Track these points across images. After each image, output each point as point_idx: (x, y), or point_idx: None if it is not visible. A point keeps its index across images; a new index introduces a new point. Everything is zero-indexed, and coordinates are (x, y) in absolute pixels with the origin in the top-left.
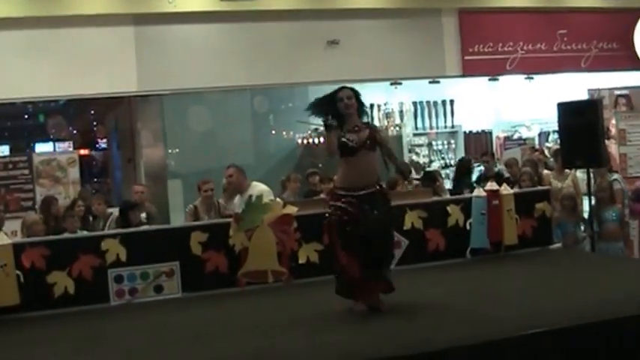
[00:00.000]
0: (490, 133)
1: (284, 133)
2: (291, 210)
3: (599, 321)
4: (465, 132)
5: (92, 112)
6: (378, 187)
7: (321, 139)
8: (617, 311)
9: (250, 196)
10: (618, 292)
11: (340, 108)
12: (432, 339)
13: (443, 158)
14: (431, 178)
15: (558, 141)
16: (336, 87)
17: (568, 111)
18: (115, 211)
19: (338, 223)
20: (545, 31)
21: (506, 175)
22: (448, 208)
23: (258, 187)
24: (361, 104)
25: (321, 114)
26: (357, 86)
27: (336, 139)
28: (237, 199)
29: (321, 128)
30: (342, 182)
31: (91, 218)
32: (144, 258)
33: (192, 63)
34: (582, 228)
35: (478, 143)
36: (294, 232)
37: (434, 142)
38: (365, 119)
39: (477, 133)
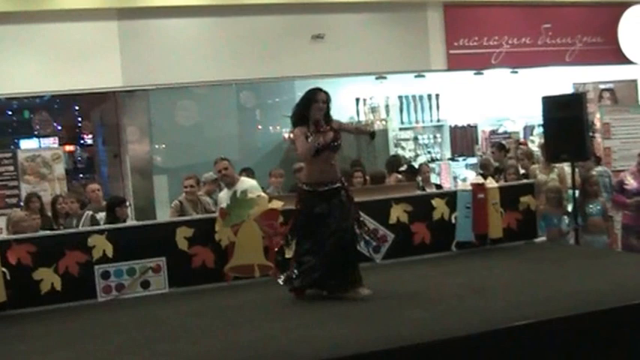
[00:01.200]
0: (476, 127)
1: (271, 127)
2: (277, 205)
3: (583, 313)
4: (450, 126)
5: (77, 107)
6: (340, 184)
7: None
8: (602, 303)
9: (236, 192)
10: (602, 284)
11: (314, 109)
12: (419, 332)
13: (429, 152)
14: (414, 171)
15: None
16: (321, 81)
17: (553, 105)
18: (88, 212)
19: (302, 216)
20: (530, 26)
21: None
22: (433, 202)
23: (247, 182)
24: (329, 108)
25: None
26: (342, 80)
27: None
28: (223, 192)
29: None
30: (308, 179)
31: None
32: (130, 254)
33: (178, 57)
34: (567, 221)
35: (464, 137)
36: (280, 226)
37: (420, 136)
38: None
39: (463, 127)
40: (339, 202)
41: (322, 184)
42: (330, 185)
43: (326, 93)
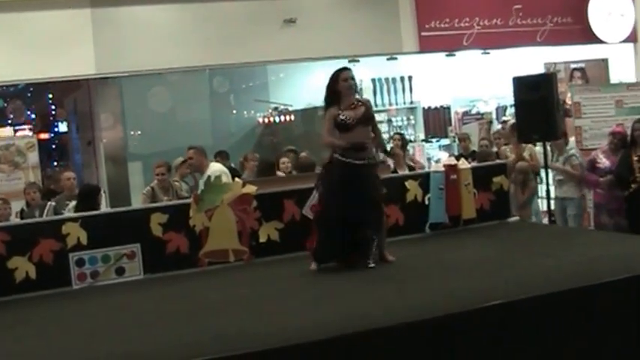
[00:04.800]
0: (449, 108)
1: (245, 112)
2: (251, 189)
3: (554, 292)
4: (423, 108)
5: (51, 95)
6: (374, 159)
7: (282, 118)
8: (573, 282)
9: (209, 177)
10: (574, 263)
11: (343, 87)
12: (389, 313)
13: (403, 134)
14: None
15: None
16: (293, 65)
17: (523, 85)
18: (51, 202)
19: (335, 186)
20: (501, 7)
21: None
22: (406, 184)
23: (214, 167)
24: (356, 84)
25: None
26: (314, 64)
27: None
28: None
29: (282, 107)
30: (345, 152)
31: (25, 208)
32: (104, 241)
33: (150, 44)
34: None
35: (437, 119)
36: (253, 211)
37: (393, 119)
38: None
39: (436, 108)
40: (373, 176)
41: (358, 157)
42: (362, 160)
43: (350, 70)
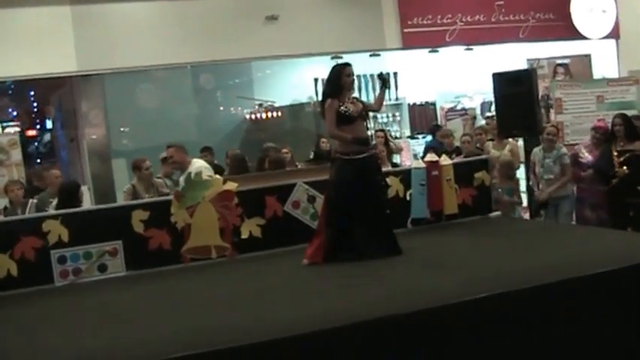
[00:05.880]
0: (434, 104)
1: (232, 108)
2: (232, 186)
3: (537, 285)
4: (409, 104)
5: (35, 92)
6: (374, 152)
7: (269, 114)
8: (554, 276)
9: (190, 174)
10: (555, 257)
11: (347, 82)
12: (371, 308)
13: (389, 130)
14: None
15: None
16: (278, 62)
17: (504, 81)
18: (33, 200)
19: (341, 185)
20: (484, 3)
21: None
22: (388, 180)
23: (196, 164)
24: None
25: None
26: (299, 60)
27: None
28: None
29: (266, 103)
30: (345, 148)
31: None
32: (86, 238)
33: (132, 41)
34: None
35: (423, 115)
36: (235, 207)
37: (379, 115)
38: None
39: (422, 104)
40: (375, 169)
41: (359, 152)
42: (366, 153)
43: (351, 66)
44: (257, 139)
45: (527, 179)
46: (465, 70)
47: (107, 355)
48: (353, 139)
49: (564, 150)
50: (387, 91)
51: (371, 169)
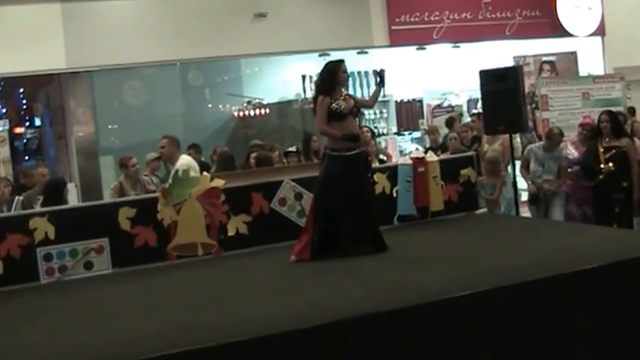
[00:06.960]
0: (421, 101)
1: (220, 106)
2: (219, 183)
3: (522, 282)
4: (396, 101)
5: (23, 89)
6: (364, 149)
7: (257, 111)
8: (540, 272)
9: (177, 171)
10: (541, 253)
11: (342, 79)
12: (358, 305)
13: (376, 127)
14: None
15: None
16: (267, 59)
17: (490, 78)
18: (19, 197)
19: (330, 180)
20: (470, 1)
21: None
22: (375, 177)
23: (183, 161)
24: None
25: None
26: (288, 58)
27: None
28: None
29: (256, 100)
30: (335, 145)
31: None
32: (72, 235)
33: (121, 38)
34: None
35: (409, 112)
36: (222, 204)
37: (366, 112)
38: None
39: (408, 101)
40: (364, 166)
41: (348, 148)
42: (356, 149)
43: (344, 63)
44: (244, 137)
45: (514, 175)
46: (451, 67)
47: (84, 352)
48: (343, 135)
49: (564, 152)
50: (382, 88)
51: (360, 165)
